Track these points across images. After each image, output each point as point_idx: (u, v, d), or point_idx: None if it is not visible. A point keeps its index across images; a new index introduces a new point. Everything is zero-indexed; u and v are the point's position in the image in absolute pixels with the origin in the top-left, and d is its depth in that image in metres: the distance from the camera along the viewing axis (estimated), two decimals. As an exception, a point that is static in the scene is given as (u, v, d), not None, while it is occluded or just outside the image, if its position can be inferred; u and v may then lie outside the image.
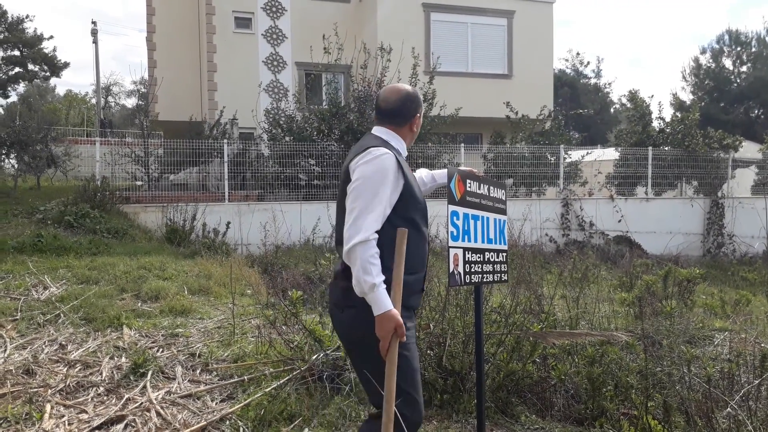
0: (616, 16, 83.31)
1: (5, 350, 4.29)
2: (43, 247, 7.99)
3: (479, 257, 2.74)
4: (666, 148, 15.36)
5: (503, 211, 2.99)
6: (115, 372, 3.99)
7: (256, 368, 4.07)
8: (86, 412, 3.42)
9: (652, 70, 79.76)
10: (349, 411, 3.40)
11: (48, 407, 3.43)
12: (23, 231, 8.87)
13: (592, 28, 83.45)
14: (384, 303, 2.08)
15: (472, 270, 2.68)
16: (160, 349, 4.49)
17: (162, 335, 4.85)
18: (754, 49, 34.98)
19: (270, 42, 16.75)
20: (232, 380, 3.93)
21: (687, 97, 35.26)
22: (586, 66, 42.49)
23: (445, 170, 2.69)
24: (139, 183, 12.86)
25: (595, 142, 29.03)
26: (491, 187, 2.88)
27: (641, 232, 13.88)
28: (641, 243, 13.65)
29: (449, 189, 2.56)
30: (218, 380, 3.96)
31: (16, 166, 14.09)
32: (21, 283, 6.14)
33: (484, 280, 2.79)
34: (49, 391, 3.65)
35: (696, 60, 36.32)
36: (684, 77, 36.88)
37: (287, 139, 13.15)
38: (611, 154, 16.10)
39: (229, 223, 10.69)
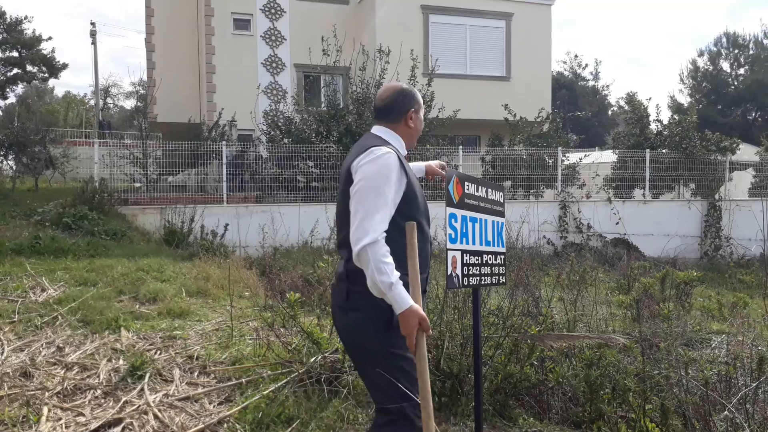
0: (615, 18, 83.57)
1: (2, 353, 4.27)
2: (41, 248, 7.97)
3: (477, 260, 2.74)
4: (663, 151, 15.40)
5: (501, 214, 2.99)
6: (112, 374, 3.98)
7: (254, 371, 4.07)
8: (83, 415, 3.41)
9: (650, 72, 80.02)
10: (347, 414, 3.40)
11: (45, 410, 3.42)
12: (21, 233, 8.85)
13: (590, 30, 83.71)
14: (405, 300, 2.04)
15: (470, 272, 2.68)
16: (158, 352, 4.49)
17: (160, 337, 4.84)
18: (751, 52, 35.13)
19: (269, 44, 16.77)
20: (229, 383, 3.92)
21: (684, 99, 35.43)
22: (584, 68, 42.65)
23: (420, 163, 2.72)
24: (137, 185, 12.84)
25: (592, 144, 29.10)
26: (489, 190, 2.88)
27: (639, 234, 13.90)
28: (639, 245, 13.67)
29: (447, 191, 2.56)
30: (216, 383, 3.96)
31: (14, 167, 14.05)
32: (18, 285, 6.13)
33: (482, 282, 2.79)
34: (47, 393, 3.64)
35: (694, 62, 36.49)
36: (682, 80, 37.06)
37: (286, 140, 13.16)
38: (609, 156, 16.12)
39: (227, 225, 10.69)
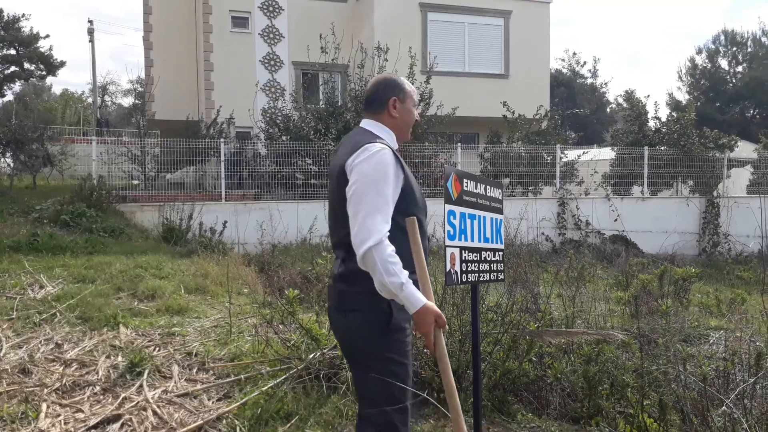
0: (613, 15, 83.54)
1: (1, 349, 4.27)
2: (39, 246, 7.97)
3: (476, 256, 2.74)
4: (662, 148, 15.41)
5: (500, 211, 2.99)
6: (111, 371, 3.98)
7: (252, 367, 4.07)
8: (82, 411, 3.42)
9: (648, 69, 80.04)
10: (345, 409, 3.40)
11: (44, 406, 3.42)
12: (19, 230, 8.85)
13: (588, 28, 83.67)
14: (418, 299, 1.98)
15: (469, 269, 2.68)
16: (157, 348, 4.49)
17: (158, 334, 4.84)
18: (749, 50, 35.14)
19: (267, 41, 16.73)
20: (228, 379, 3.93)
21: (683, 97, 35.48)
22: (582, 66, 42.65)
23: None
24: (135, 182, 12.84)
25: (591, 141, 29.08)
26: (488, 187, 2.88)
27: (637, 231, 13.91)
28: (637, 242, 13.68)
29: (446, 188, 2.55)
30: (215, 379, 3.96)
31: (12, 165, 14.04)
32: (17, 282, 6.13)
33: (481, 279, 2.79)
34: (45, 390, 3.64)
35: (692, 60, 36.50)
36: (680, 77, 37.09)
37: (284, 138, 13.15)
38: (607, 153, 16.14)
39: (225, 222, 10.68)
